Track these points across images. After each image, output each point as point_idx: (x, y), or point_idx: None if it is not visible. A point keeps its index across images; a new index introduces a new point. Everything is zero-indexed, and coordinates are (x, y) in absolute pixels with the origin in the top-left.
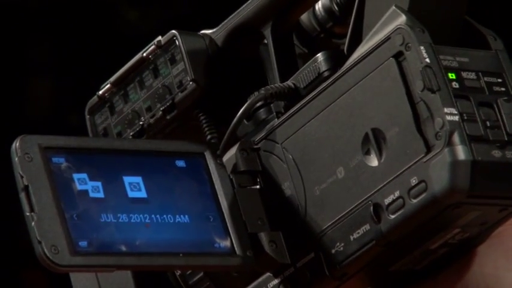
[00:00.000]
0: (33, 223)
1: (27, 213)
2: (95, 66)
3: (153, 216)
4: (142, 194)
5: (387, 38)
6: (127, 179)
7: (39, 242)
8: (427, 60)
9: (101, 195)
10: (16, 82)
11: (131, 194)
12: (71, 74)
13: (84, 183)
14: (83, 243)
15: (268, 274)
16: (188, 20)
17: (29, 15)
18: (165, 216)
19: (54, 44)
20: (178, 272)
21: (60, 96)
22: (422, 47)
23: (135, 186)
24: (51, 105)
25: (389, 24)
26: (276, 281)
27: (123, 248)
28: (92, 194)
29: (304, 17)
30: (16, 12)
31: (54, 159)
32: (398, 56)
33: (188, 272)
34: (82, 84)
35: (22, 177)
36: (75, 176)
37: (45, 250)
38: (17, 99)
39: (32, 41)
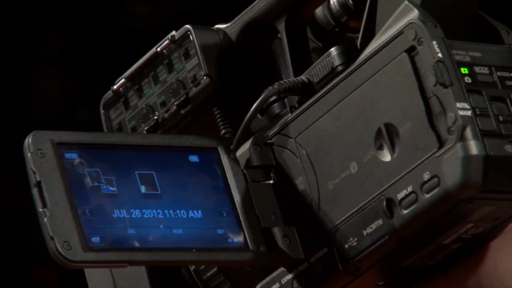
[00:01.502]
0: (45, 219)
1: (40, 209)
2: (105, 62)
3: (166, 211)
4: (155, 189)
5: (400, 33)
6: (140, 174)
7: (52, 238)
8: (440, 55)
9: (113, 190)
10: (26, 77)
11: (144, 190)
12: (81, 69)
13: (97, 178)
14: (96, 239)
15: (281, 269)
16: (198, 15)
17: (39, 10)
18: (178, 211)
19: (64, 39)
20: (192, 267)
21: (71, 92)
22: (434, 42)
23: (148, 181)
24: (61, 100)
25: (402, 19)
26: (289, 276)
27: (136, 244)
28: (104, 190)
29: (319, 11)
30: (26, 8)
31: (67, 155)
32: (410, 50)
33: (202, 267)
34: (92, 79)
35: (35, 173)
36: (88, 171)
37: (58, 246)
38: (27, 95)
39: (42, 36)
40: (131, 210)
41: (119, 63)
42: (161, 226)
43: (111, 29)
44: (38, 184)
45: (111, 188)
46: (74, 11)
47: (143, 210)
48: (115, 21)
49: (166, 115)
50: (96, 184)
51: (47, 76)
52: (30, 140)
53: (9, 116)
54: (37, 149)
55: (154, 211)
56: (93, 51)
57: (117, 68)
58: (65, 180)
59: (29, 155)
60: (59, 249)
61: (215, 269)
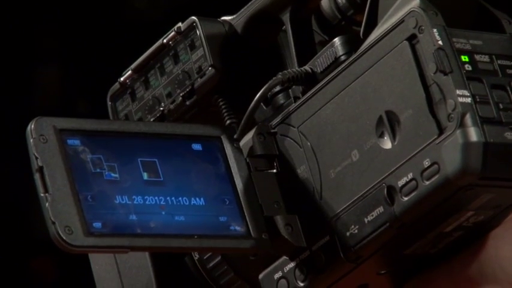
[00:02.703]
0: (47, 204)
1: (42, 194)
2: (104, 54)
3: (168, 198)
4: (158, 176)
5: (401, 21)
6: (142, 162)
7: (53, 223)
8: (440, 42)
9: (116, 177)
10: (24, 70)
11: (146, 177)
12: (79, 61)
13: (99, 165)
14: (97, 224)
15: (284, 258)
16: (197, 7)
17: (38, 2)
18: (180, 198)
19: (62, 31)
20: (196, 257)
21: (68, 84)
22: (435, 30)
23: (150, 168)
24: (59, 93)
25: (403, 7)
26: (291, 265)
27: (138, 230)
28: (106, 176)
29: (325, 5)
30: (25, 0)
31: (69, 141)
32: (411, 38)
33: (206, 256)
34: (90, 72)
35: (37, 158)
36: (90, 157)
37: (59, 230)
38: (25, 87)
39: (40, 28)
40: (133, 197)
41: (117, 55)
42: (163, 213)
43: (110, 22)
44: (40, 169)
45: (113, 175)
46: (72, 3)
47: (145, 197)
48: (114, 13)
49: (172, 106)
50: (98, 170)
51: (45, 68)
52: (32, 126)
53: (7, 109)
54: (40, 135)
55: (156, 198)
56: (92, 43)
57: (116, 61)
58: (67, 166)
59: (31, 140)
60: (60, 233)
61: (219, 258)
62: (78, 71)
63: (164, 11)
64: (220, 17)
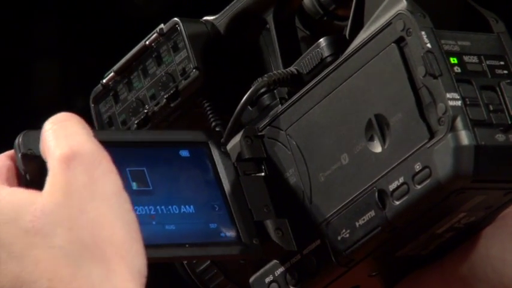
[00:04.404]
0: None
1: None
2: (101, 49)
3: (158, 207)
4: (147, 185)
5: (388, 24)
6: (131, 171)
7: None
8: (429, 45)
9: None
10: (21, 65)
11: (135, 186)
12: (76, 57)
13: None
14: None
15: (274, 261)
16: (194, 2)
17: None
18: (170, 207)
19: (59, 26)
20: (185, 261)
21: (66, 79)
22: (423, 32)
23: (139, 178)
24: (56, 88)
25: (390, 9)
26: (282, 268)
27: None
28: None
29: (307, 0)
30: None
31: None
32: (399, 41)
33: (195, 261)
34: (88, 67)
35: (26, 173)
36: None
37: None
38: (23, 82)
39: (37, 23)
40: None
41: (115, 51)
42: (154, 222)
43: (109, 17)
44: (30, 184)
45: None
46: None
47: (135, 207)
48: (111, 8)
49: (156, 108)
50: None
51: (42, 64)
52: (20, 140)
53: (5, 105)
54: (28, 149)
55: (146, 207)
56: (90, 39)
57: (113, 56)
58: None
59: (19, 155)
60: None
61: (208, 262)
62: (76, 66)
63: (162, 7)
64: (216, 12)
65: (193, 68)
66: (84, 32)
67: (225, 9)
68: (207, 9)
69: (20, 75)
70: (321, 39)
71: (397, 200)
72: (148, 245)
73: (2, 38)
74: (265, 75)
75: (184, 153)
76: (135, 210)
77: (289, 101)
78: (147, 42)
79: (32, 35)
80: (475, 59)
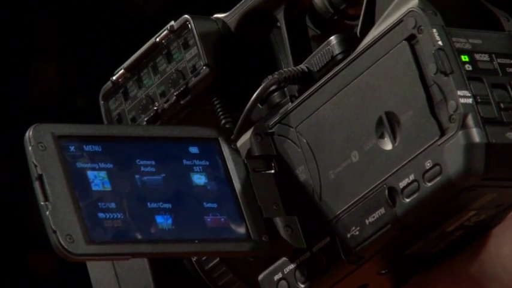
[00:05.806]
0: (47, 212)
1: (42, 203)
2: (102, 49)
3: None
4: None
5: (399, 21)
6: (141, 166)
7: (54, 232)
8: (440, 42)
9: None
10: (22, 64)
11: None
12: (77, 56)
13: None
14: (98, 232)
15: (284, 259)
16: (195, 1)
17: None
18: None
19: (60, 26)
20: (194, 258)
21: (67, 79)
22: (434, 30)
23: (149, 173)
24: (57, 87)
25: (402, 7)
26: (292, 266)
27: (138, 236)
28: (106, 182)
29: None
30: None
31: (68, 148)
32: (410, 39)
33: (204, 258)
34: (89, 66)
35: (36, 166)
36: (89, 164)
37: (60, 239)
38: (24, 82)
39: (38, 23)
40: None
41: (116, 50)
42: (163, 218)
43: (109, 16)
44: (40, 177)
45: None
46: None
47: (147, 202)
48: (112, 8)
49: (166, 105)
50: (97, 176)
51: (43, 64)
52: (30, 133)
53: (6, 104)
54: (38, 142)
55: (155, 203)
56: (91, 38)
57: (115, 56)
58: (66, 173)
59: (30, 148)
60: (62, 242)
61: (217, 259)
62: (77, 65)
63: (163, 6)
64: (220, 10)
65: (204, 65)
66: (84, 31)
67: (235, 7)
68: (207, 9)
69: (20, 75)
70: (332, 37)
71: (407, 197)
72: (157, 241)
73: (2, 38)
74: (276, 72)
75: (193, 149)
76: (146, 205)
77: (300, 99)
78: (157, 39)
79: (32, 35)
80: (486, 57)
